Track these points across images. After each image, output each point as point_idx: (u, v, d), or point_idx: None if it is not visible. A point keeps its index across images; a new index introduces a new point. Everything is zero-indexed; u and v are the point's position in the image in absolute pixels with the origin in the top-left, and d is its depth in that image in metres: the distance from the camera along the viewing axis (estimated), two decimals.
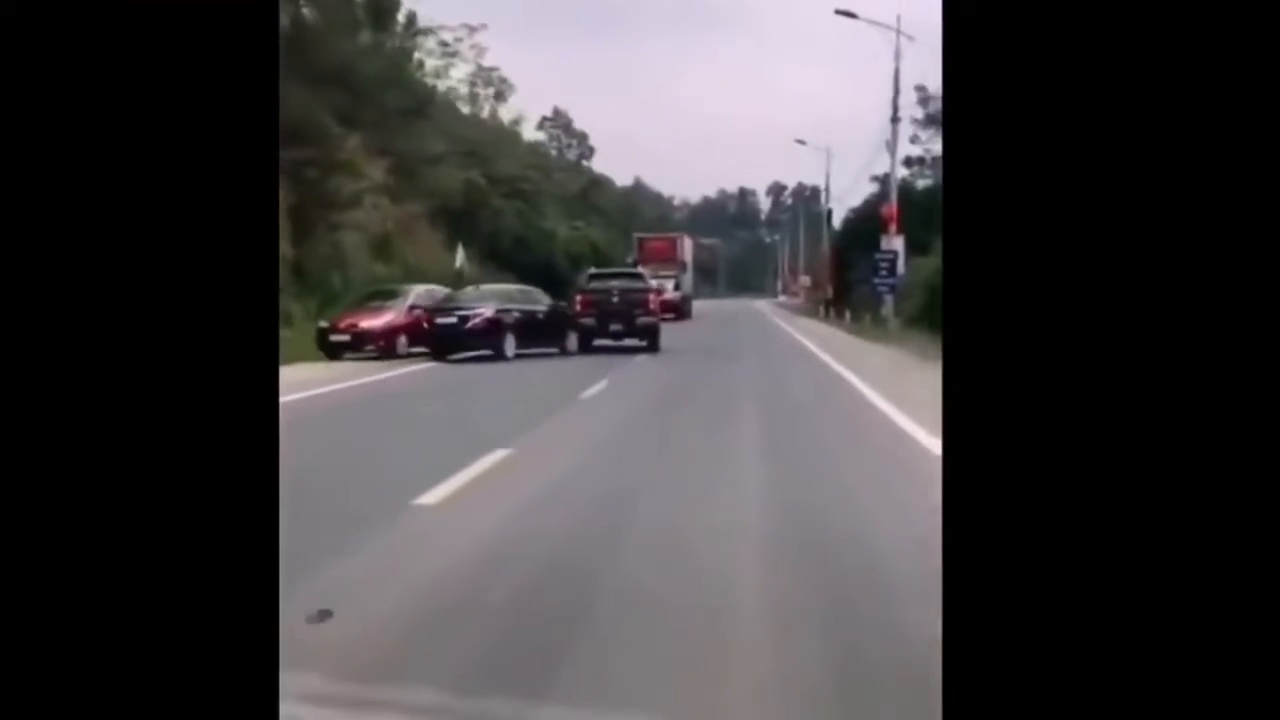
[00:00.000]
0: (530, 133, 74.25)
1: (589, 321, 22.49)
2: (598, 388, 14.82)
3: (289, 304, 23.83)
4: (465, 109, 48.98)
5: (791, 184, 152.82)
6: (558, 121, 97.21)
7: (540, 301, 22.32)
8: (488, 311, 20.39)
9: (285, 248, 26.34)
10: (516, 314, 20.88)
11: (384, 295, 22.58)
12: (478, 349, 20.42)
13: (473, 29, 43.68)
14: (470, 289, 22.75)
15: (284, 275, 25.85)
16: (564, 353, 21.64)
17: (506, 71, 62.60)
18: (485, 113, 57.66)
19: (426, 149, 36.54)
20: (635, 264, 37.42)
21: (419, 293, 22.22)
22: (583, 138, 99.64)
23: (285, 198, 25.89)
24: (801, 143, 63.18)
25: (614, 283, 23.65)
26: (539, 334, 21.35)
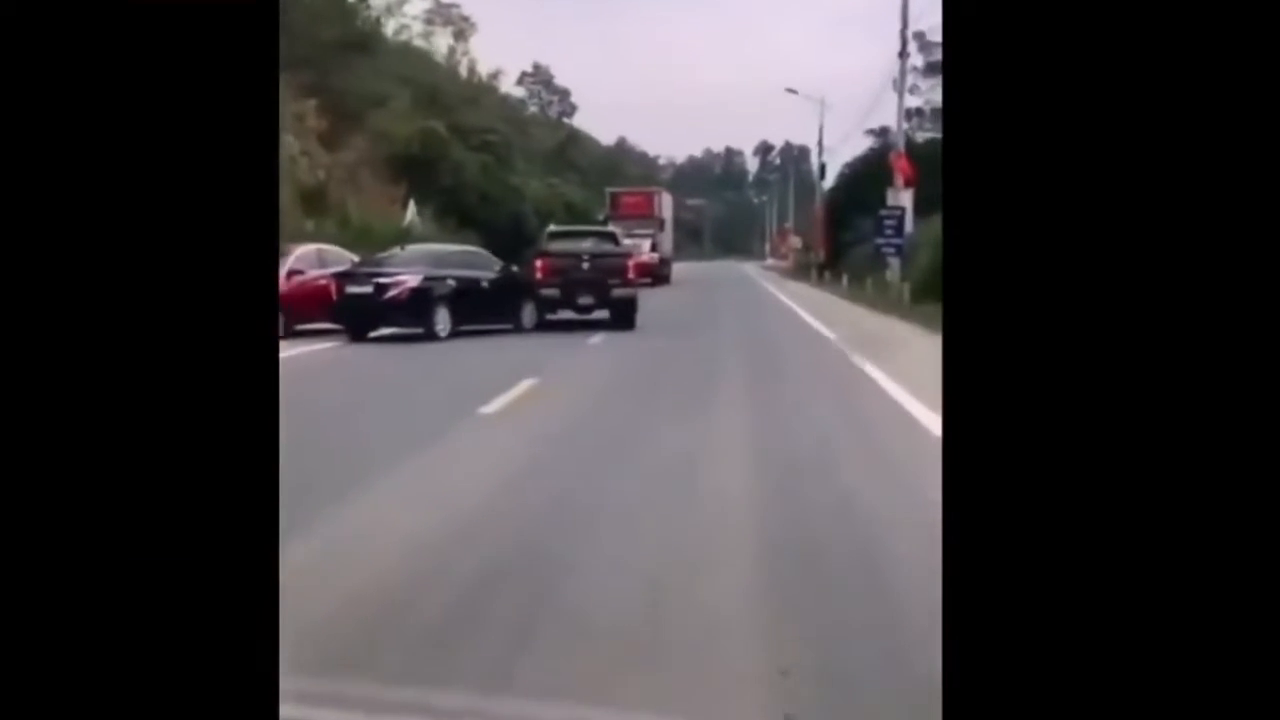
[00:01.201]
0: (510, 88, 69.66)
1: (551, 291, 17.97)
2: (516, 390, 10.51)
3: None
4: (420, 46, 44.25)
5: (780, 143, 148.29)
6: (538, 77, 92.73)
7: (487, 266, 17.84)
8: (412, 280, 16.00)
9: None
10: (452, 282, 16.48)
11: None
12: (401, 325, 16.15)
13: None
14: (396, 250, 18.39)
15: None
16: (518, 329, 17.32)
17: (484, 25, 57.98)
18: (458, 63, 53.13)
19: (369, 90, 31.92)
20: (607, 221, 32.98)
21: (302, 254, 17.48)
22: (564, 95, 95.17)
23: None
24: (792, 91, 58.25)
25: (583, 244, 19.13)
26: (484, 306, 17.01)
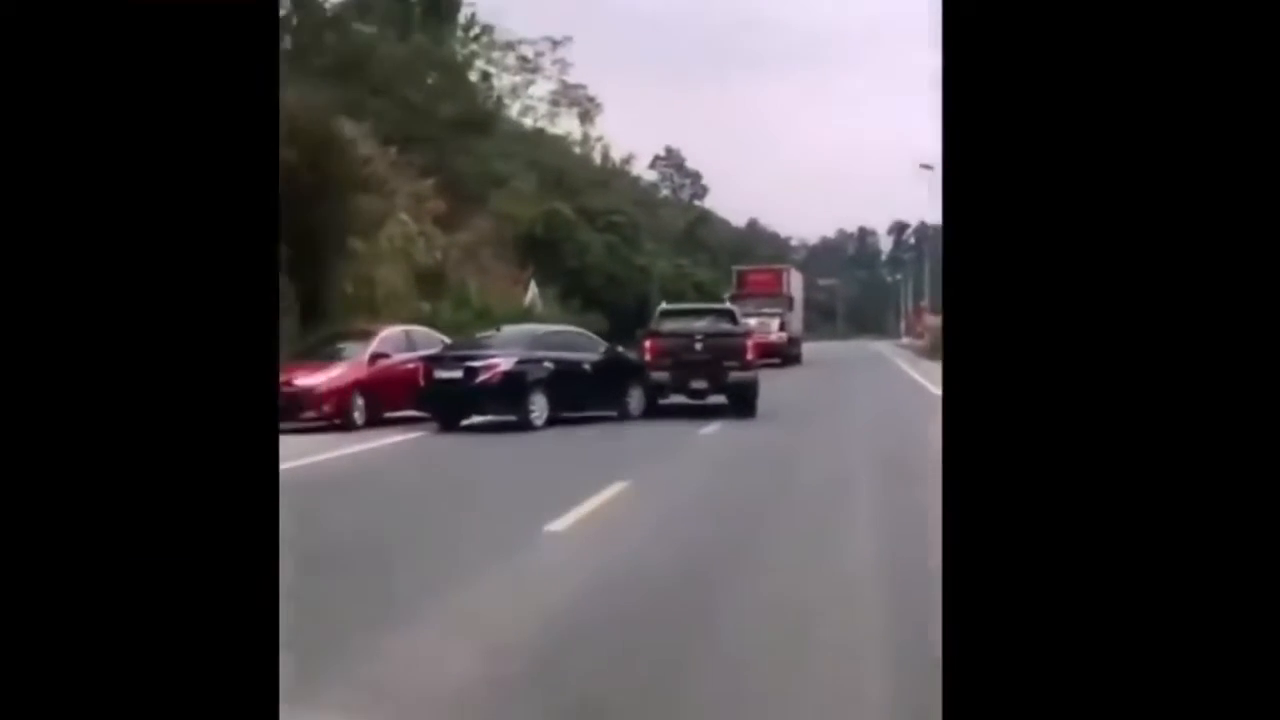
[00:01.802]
0: (643, 171, 69.31)
1: (661, 375, 16.19)
2: (600, 497, 8.76)
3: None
4: (545, 126, 43.73)
5: (914, 222, 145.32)
6: (670, 160, 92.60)
7: (590, 348, 16.25)
8: (505, 363, 14.47)
9: (290, 283, 21.04)
10: (549, 365, 14.89)
11: (342, 340, 16.46)
12: (492, 412, 14.63)
13: (556, 43, 38.34)
14: (492, 332, 16.98)
15: (291, 320, 20.52)
16: (624, 416, 15.63)
17: (618, 110, 57.74)
18: (591, 148, 52.78)
19: (490, 170, 31.14)
20: (733, 299, 31.25)
21: (388, 337, 16.03)
22: (696, 177, 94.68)
23: (302, 221, 20.65)
24: (927, 167, 56.18)
25: (697, 323, 17.37)
26: (585, 392, 15.39)
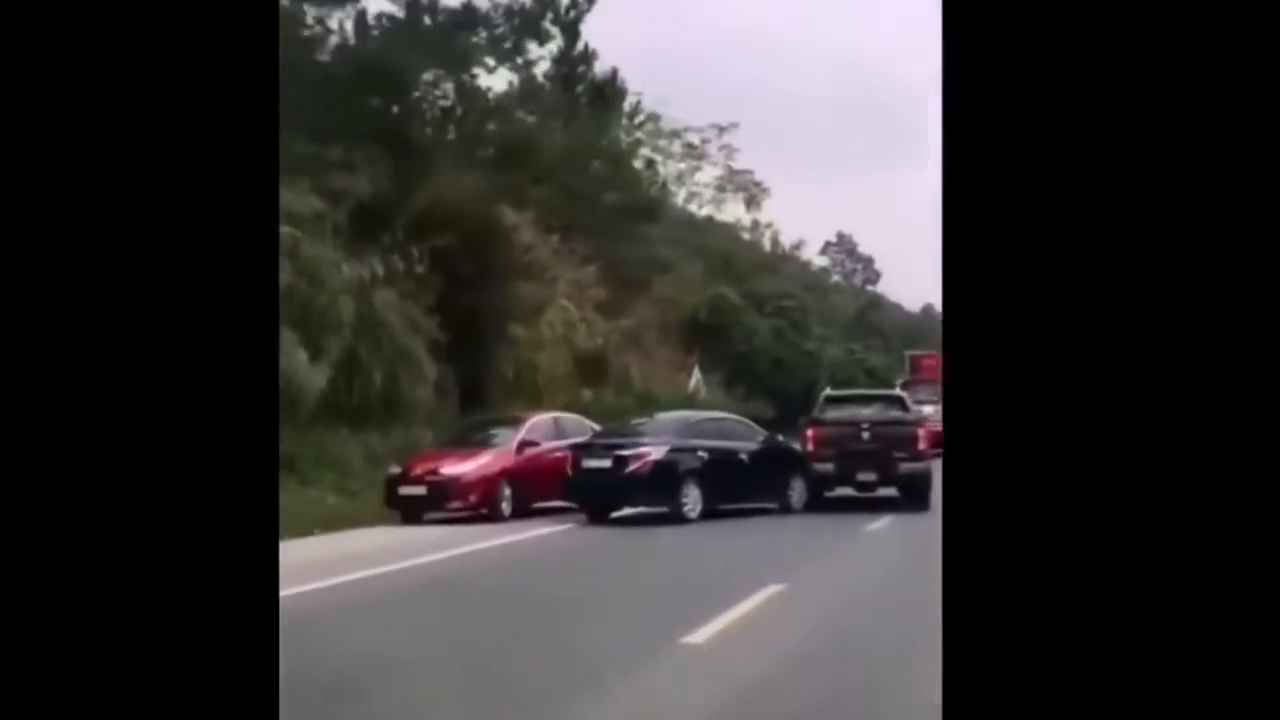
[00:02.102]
0: (813, 256, 68.49)
1: (825, 466, 15.04)
2: (749, 603, 7.78)
3: (420, 433, 17.62)
4: (711, 213, 43.44)
5: None
6: (841, 245, 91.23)
7: (747, 436, 15.27)
8: (655, 451, 13.63)
9: (449, 368, 20.87)
10: (703, 454, 13.98)
11: (490, 427, 15.85)
12: (642, 504, 13.82)
13: (722, 129, 38.19)
14: (644, 419, 16.22)
15: (451, 404, 20.31)
16: (785, 509, 14.58)
17: (786, 195, 57.34)
18: (761, 234, 52.37)
19: (653, 256, 30.79)
20: (905, 385, 29.76)
21: (536, 424, 15.38)
22: (868, 262, 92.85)
23: (463, 306, 20.57)
24: None
25: (864, 410, 16.30)
26: (743, 482, 14.41)
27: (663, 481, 13.47)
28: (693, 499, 13.60)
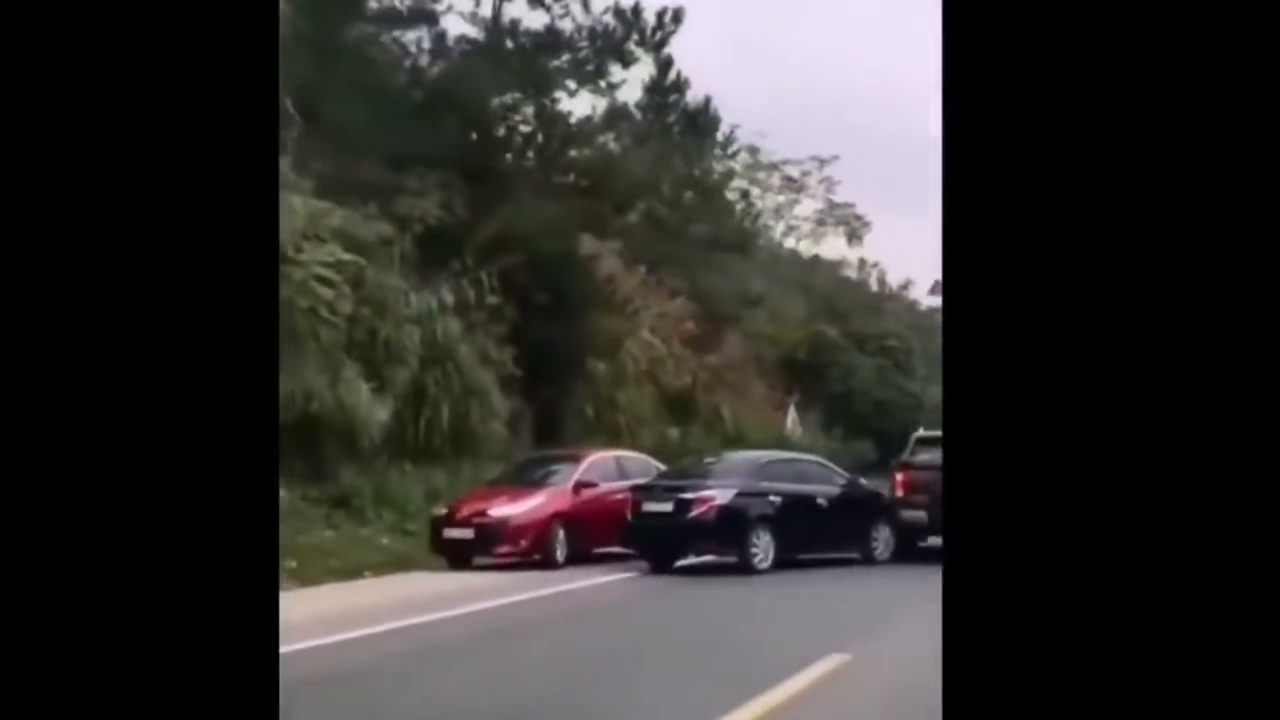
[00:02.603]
0: (922, 296, 66.42)
1: (915, 514, 13.52)
2: (803, 678, 6.51)
3: (489, 471, 16.44)
4: (812, 249, 41.80)
5: None
6: None
7: (826, 479, 13.85)
8: (721, 495, 12.29)
9: (524, 403, 19.90)
10: (775, 498, 12.62)
11: (546, 465, 14.47)
12: (708, 552, 12.56)
13: (823, 161, 36.77)
14: (712, 459, 14.94)
15: (522, 443, 19.30)
16: (868, 560, 13.15)
17: (893, 235, 55.57)
18: (868, 274, 50.79)
19: (746, 291, 29.49)
20: None
21: (595, 462, 13.97)
22: None
23: (538, 339, 19.65)
24: None
25: None
26: (821, 530, 13.03)
27: (729, 528, 12.17)
28: (763, 548, 12.27)
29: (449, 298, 17.61)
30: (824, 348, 36.05)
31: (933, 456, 14.44)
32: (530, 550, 12.47)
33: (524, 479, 13.80)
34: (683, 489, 12.55)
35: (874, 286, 54.49)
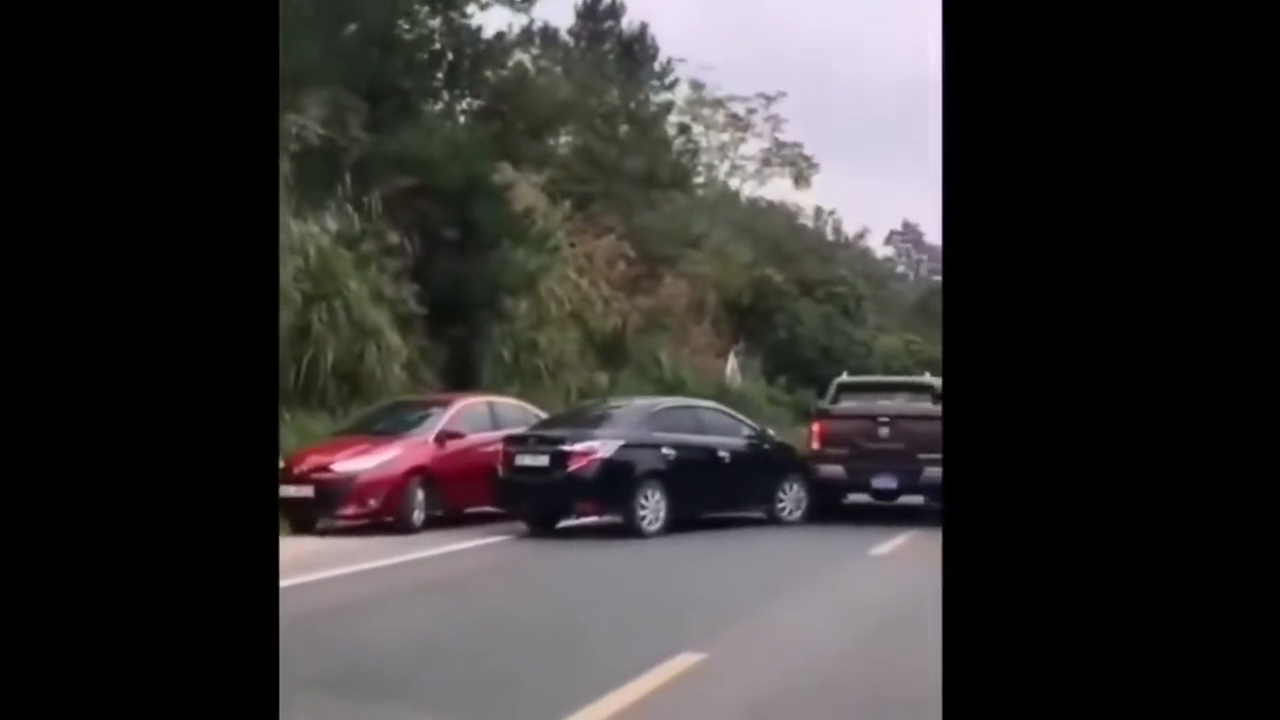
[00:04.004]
0: (878, 246, 64.87)
1: (833, 469, 11.95)
2: (635, 688, 4.81)
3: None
4: (755, 189, 39.81)
5: None
6: (907, 235, 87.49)
7: (729, 430, 12.04)
8: (604, 447, 10.52)
9: (433, 345, 18.05)
10: (669, 451, 10.87)
11: (404, 412, 12.36)
12: (590, 511, 10.81)
13: (770, 99, 34.65)
14: (597, 401, 13.22)
15: (429, 382, 17.51)
16: (774, 520, 11.48)
17: (850, 184, 53.83)
18: (819, 222, 49.04)
19: (688, 233, 27.61)
20: None
21: (464, 409, 11.77)
22: (934, 252, 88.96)
23: (446, 276, 17.78)
24: None
25: (882, 402, 12.99)
26: (723, 488, 11.33)
27: (613, 485, 10.43)
28: (653, 507, 10.53)
29: (333, 225, 15.69)
30: (770, 293, 34.26)
31: (857, 404, 12.81)
32: (382, 511, 10.55)
33: (379, 428, 11.77)
34: (561, 440, 10.73)
35: (829, 236, 52.88)
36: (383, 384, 16.48)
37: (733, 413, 12.90)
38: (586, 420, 11.74)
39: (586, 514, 10.79)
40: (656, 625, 6.50)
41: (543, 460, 10.54)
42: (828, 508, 12.03)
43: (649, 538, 10.29)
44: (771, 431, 12.94)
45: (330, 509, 10.34)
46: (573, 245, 22.25)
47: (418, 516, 10.62)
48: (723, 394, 27.80)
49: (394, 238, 16.79)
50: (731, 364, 30.04)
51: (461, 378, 18.26)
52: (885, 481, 11.97)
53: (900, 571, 9.10)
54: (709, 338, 30.27)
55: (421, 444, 11.10)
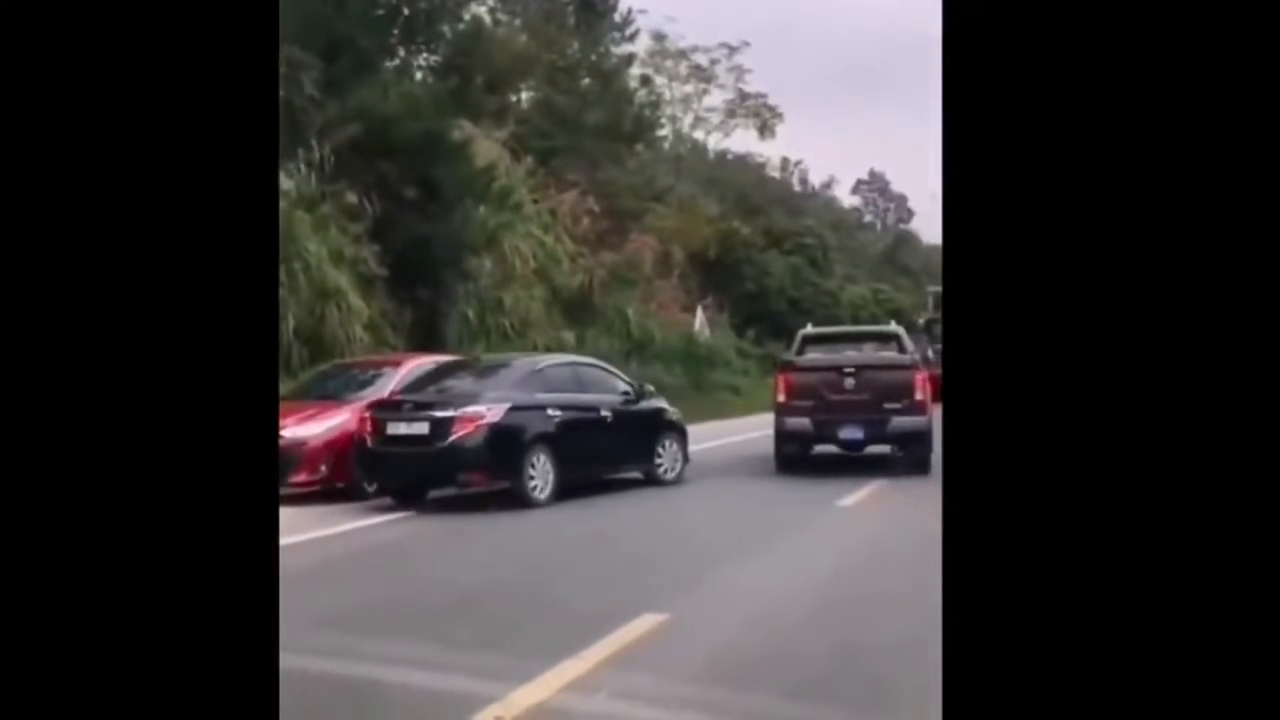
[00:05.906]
0: (845, 195, 64.49)
1: (799, 421, 11.65)
2: (599, 650, 4.47)
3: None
4: (720, 140, 39.42)
5: None
6: (873, 184, 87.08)
7: (608, 387, 11.07)
8: (491, 412, 9.52)
9: (398, 307, 17.70)
10: (554, 413, 9.98)
11: (354, 374, 11.66)
12: (474, 483, 9.68)
13: (732, 49, 34.20)
14: (472, 358, 12.50)
15: (393, 344, 17.17)
16: (652, 480, 10.98)
17: (817, 131, 53.42)
18: (785, 172, 48.55)
19: (654, 186, 27.20)
20: (929, 324, 26.29)
21: (413, 370, 10.89)
22: (900, 201, 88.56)
23: (409, 235, 17.40)
24: None
25: (848, 352, 12.71)
26: (604, 448, 10.54)
27: (502, 451, 9.44)
28: (542, 474, 9.67)
29: (290, 187, 15.25)
30: (737, 245, 34.01)
31: (822, 356, 12.57)
32: (332, 477, 9.95)
33: (328, 392, 11.15)
34: (440, 405, 9.62)
35: (796, 186, 52.51)
36: (345, 346, 16.16)
37: (611, 368, 12.06)
38: (463, 383, 10.46)
39: (472, 484, 9.66)
40: (625, 587, 6.28)
41: (420, 428, 9.39)
42: (795, 459, 11.87)
43: (541, 507, 9.48)
44: (650, 387, 12.19)
45: (280, 476, 9.75)
46: (536, 201, 21.87)
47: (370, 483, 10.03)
48: (691, 346, 27.63)
49: (353, 198, 16.40)
50: (700, 318, 29.85)
51: (426, 338, 17.90)
52: (851, 432, 11.75)
53: (870, 519, 8.94)
54: (676, 292, 30.03)
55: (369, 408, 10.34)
